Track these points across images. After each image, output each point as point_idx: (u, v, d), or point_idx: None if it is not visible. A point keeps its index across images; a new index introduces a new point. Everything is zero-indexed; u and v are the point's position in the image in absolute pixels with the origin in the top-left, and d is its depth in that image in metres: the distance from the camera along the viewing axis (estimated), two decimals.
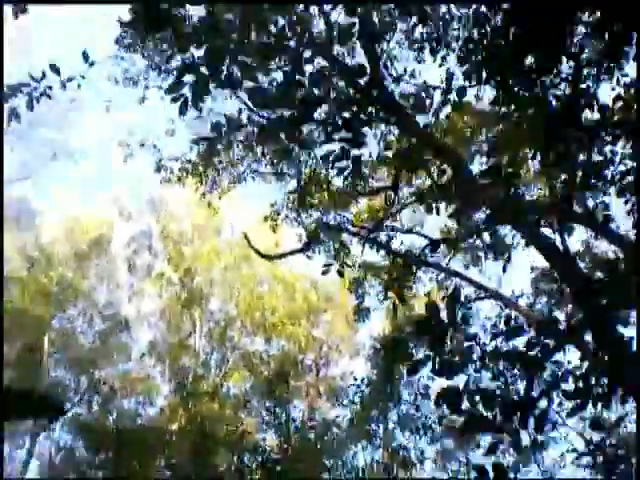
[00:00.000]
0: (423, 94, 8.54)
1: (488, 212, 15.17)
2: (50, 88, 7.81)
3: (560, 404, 5.90)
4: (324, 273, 10.97)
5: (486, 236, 18.49)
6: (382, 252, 18.70)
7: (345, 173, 7.00)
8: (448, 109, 12.67)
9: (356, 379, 20.01)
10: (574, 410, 5.76)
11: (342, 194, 17.96)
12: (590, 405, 5.58)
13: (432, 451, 20.70)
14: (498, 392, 5.62)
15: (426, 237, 15.73)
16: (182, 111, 7.47)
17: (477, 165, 13.91)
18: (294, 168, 17.35)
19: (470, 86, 7.57)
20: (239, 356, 23.51)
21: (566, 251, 7.81)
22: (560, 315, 15.70)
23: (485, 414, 5.48)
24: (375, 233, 16.41)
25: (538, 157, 11.95)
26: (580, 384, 5.55)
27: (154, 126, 17.50)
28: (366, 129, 12.57)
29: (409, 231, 17.12)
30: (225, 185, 17.23)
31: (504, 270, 19.05)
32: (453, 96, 7.62)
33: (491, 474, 5.07)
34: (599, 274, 7.81)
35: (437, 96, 8.12)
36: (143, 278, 25.81)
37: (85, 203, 39.68)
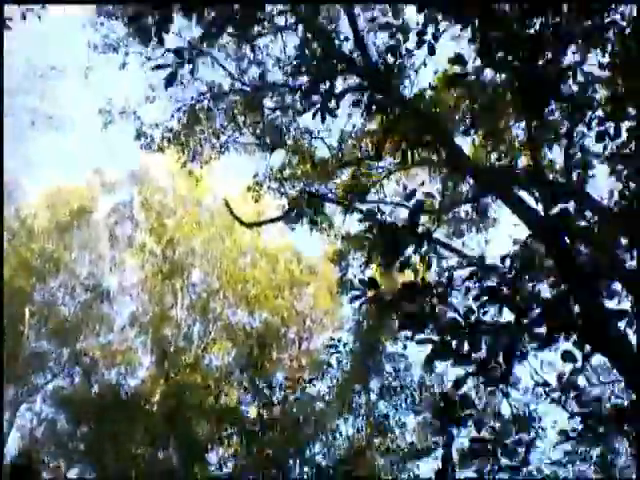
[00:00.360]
0: (399, 36, 8.35)
1: (471, 182, 15.21)
2: (10, 19, 7.73)
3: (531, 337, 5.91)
4: None
5: (469, 208, 18.55)
6: (366, 224, 18.68)
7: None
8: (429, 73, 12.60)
9: (333, 339, 19.81)
10: (545, 342, 5.78)
11: (325, 164, 17.88)
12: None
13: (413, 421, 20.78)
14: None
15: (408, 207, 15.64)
16: (168, 84, 7.38)
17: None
18: (277, 138, 17.21)
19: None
20: (221, 328, 23.44)
21: (548, 221, 7.78)
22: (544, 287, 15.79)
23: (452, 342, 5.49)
24: (358, 203, 16.32)
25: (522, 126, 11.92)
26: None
27: (134, 93, 17.25)
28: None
29: (392, 202, 17.05)
30: (207, 155, 17.07)
31: (486, 242, 19.12)
32: (429, 38, 7.45)
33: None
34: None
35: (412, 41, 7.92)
36: (125, 249, 25.61)
37: (66, 173, 39.33)
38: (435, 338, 5.82)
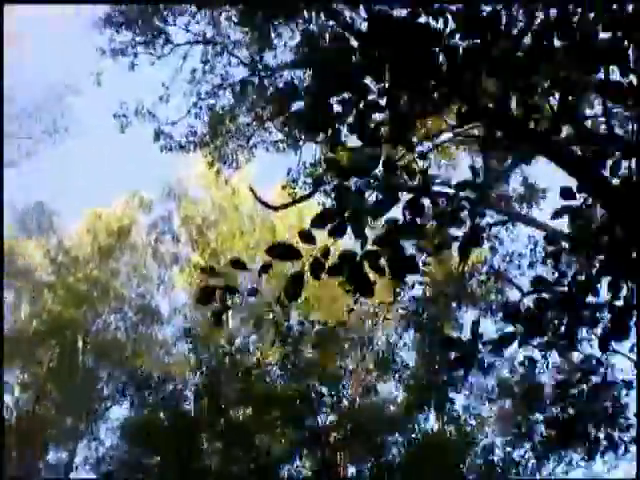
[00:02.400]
0: None
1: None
2: None
3: None
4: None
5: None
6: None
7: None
8: None
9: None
10: None
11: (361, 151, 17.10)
12: None
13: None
14: None
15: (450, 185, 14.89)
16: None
17: None
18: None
19: None
20: (276, 334, 22.70)
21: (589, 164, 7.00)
22: None
23: None
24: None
25: None
26: None
27: (147, 94, 16.65)
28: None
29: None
30: (237, 156, 16.51)
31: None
32: None
33: None
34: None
35: None
36: (169, 265, 25.21)
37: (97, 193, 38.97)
38: None
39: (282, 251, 4.51)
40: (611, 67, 5.82)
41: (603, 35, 5.30)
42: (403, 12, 5.04)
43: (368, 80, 5.11)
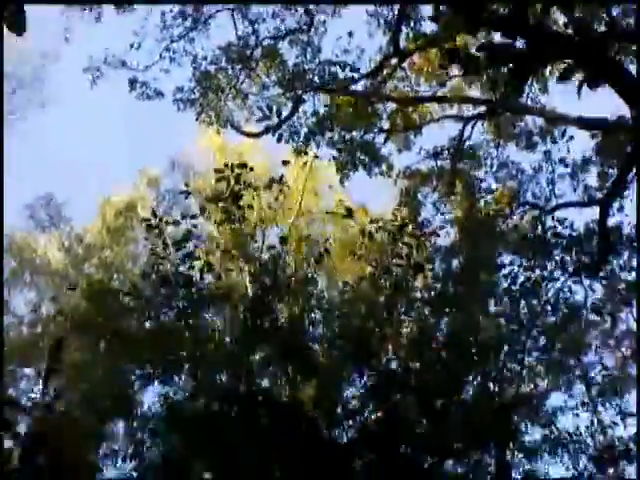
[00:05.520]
0: None
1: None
2: None
3: None
4: None
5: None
6: None
7: None
8: None
9: None
10: None
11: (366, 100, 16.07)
12: None
13: None
14: None
15: None
16: None
17: None
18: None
19: None
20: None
21: None
22: None
23: None
24: None
25: None
26: None
27: (117, 43, 15.69)
28: None
29: None
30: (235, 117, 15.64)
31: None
32: None
33: None
34: None
35: None
36: None
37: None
38: None
39: None
40: None
41: None
42: None
43: None
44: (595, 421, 14.73)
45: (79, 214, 26.22)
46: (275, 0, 14.52)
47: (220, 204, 11.13)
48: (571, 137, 15.76)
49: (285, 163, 12.19)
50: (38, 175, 37.35)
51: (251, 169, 10.99)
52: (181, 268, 11.19)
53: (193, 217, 11.32)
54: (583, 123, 12.54)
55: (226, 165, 10.82)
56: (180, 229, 11.38)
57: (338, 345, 11.38)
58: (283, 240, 11.87)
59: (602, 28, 12.08)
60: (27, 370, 23.15)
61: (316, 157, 16.24)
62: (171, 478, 11.72)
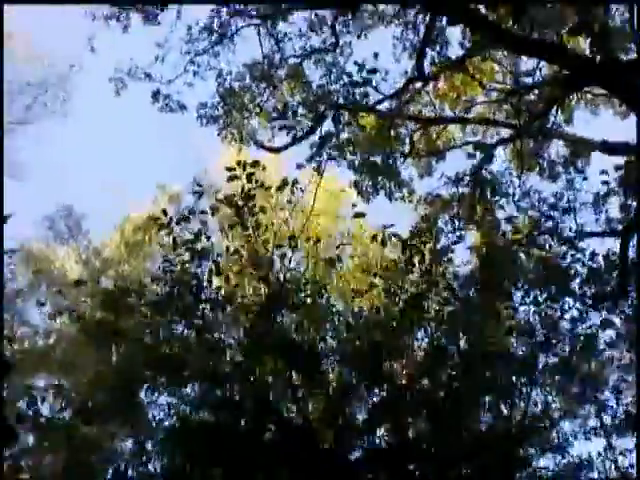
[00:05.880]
0: None
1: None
2: None
3: None
4: None
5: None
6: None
7: None
8: None
9: None
10: None
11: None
12: None
13: None
14: None
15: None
16: None
17: None
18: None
19: None
20: None
21: None
22: None
23: None
24: None
25: None
26: None
27: (141, 55, 15.89)
28: None
29: None
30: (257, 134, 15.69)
31: None
32: None
33: None
34: None
35: None
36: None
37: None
38: None
39: None
40: None
41: None
42: None
43: None
44: (608, 448, 14.46)
45: (98, 227, 26.18)
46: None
47: (232, 206, 10.99)
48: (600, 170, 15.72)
49: (299, 167, 11.93)
50: (58, 186, 37.60)
51: (263, 167, 10.84)
52: (192, 270, 11.09)
53: (203, 212, 11.22)
54: (606, 148, 12.48)
55: (238, 163, 10.65)
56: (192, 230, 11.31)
57: (349, 360, 11.23)
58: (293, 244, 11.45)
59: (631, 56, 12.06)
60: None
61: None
62: None
